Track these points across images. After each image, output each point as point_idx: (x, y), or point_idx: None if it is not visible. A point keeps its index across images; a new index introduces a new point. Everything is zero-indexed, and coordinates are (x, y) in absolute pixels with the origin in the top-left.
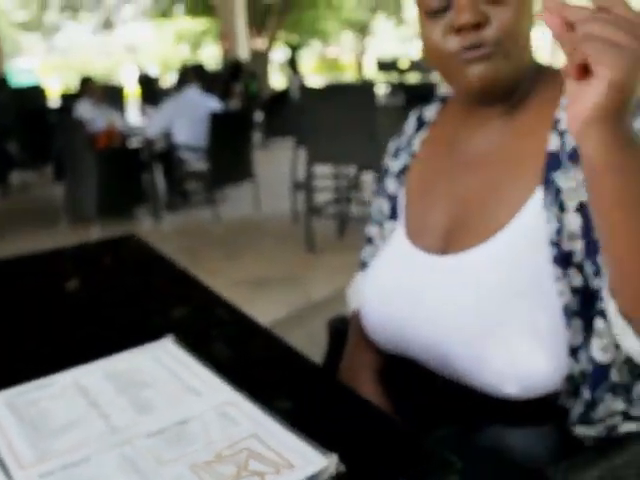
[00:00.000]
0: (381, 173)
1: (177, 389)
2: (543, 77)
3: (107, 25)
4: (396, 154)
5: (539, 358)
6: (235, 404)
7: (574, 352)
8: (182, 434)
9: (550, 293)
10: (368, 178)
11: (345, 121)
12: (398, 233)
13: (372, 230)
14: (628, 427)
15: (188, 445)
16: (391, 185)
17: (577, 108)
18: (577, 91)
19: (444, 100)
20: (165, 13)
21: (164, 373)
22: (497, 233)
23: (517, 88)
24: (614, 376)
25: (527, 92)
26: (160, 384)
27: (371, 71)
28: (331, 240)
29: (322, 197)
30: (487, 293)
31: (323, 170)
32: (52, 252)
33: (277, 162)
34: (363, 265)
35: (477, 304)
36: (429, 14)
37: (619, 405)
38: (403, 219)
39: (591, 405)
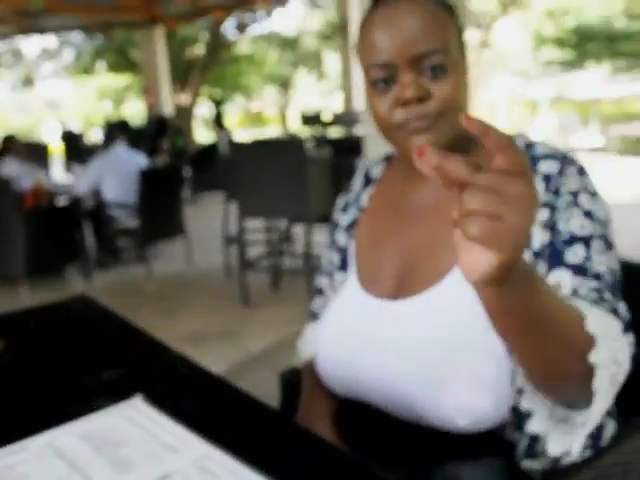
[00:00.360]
0: (331, 227)
1: (153, 446)
2: None
3: (27, 82)
4: (345, 209)
5: (485, 390)
6: (212, 457)
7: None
8: None
9: (494, 330)
10: (299, 231)
11: (275, 175)
12: (350, 282)
13: (322, 281)
14: (570, 458)
15: None
16: (341, 238)
17: (470, 264)
18: (469, 245)
19: (389, 159)
20: (87, 70)
21: (138, 431)
22: (443, 278)
23: (457, 148)
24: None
25: (467, 150)
26: (136, 442)
27: (295, 124)
28: (265, 293)
29: (254, 251)
30: (436, 333)
31: (255, 224)
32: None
33: (207, 217)
34: (313, 316)
35: (427, 344)
36: (375, 85)
37: None
38: (354, 269)
39: (535, 439)
